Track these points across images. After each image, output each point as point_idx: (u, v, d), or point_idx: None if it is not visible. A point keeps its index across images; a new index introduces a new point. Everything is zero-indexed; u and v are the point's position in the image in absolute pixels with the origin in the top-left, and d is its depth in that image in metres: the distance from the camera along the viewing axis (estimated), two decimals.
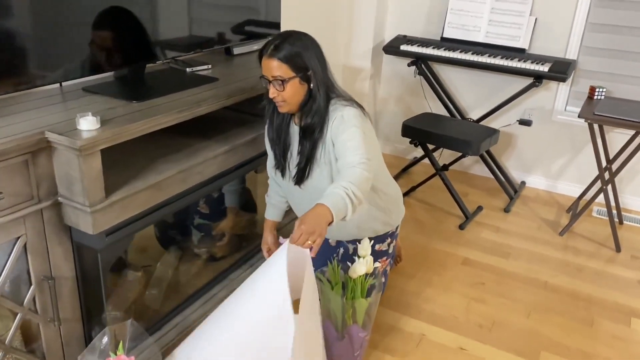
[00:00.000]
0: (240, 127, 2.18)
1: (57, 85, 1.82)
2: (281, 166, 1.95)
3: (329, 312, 1.88)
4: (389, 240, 2.14)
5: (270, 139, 1.96)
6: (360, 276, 1.86)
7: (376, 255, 2.05)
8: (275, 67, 1.70)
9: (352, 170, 1.64)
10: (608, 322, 2.36)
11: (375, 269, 1.90)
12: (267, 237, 2.13)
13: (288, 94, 1.74)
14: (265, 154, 2.09)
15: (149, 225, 1.85)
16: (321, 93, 1.77)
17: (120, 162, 1.78)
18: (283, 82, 1.71)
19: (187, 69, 2.16)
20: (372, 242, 1.96)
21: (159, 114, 1.67)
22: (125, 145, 1.62)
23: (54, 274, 1.63)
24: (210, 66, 2.22)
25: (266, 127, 1.97)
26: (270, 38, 1.77)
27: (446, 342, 2.19)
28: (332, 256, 2.06)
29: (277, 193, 2.11)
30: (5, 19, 1.51)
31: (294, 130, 1.89)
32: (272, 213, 2.14)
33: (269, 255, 2.03)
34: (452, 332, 2.25)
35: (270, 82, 1.73)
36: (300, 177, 1.88)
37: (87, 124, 1.49)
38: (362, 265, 1.84)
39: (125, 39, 1.85)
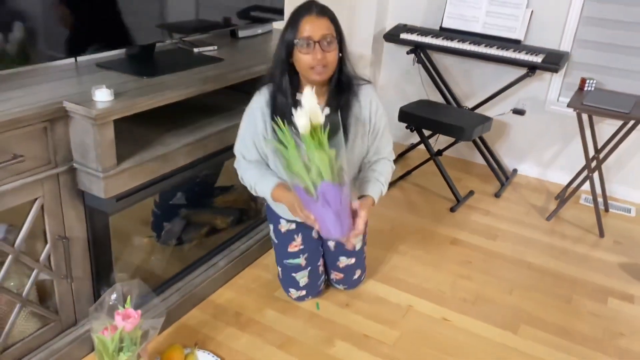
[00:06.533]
0: (242, 106, 2.30)
1: (73, 60, 1.96)
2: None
3: (295, 176, 1.69)
4: None
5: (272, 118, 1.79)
6: (311, 130, 1.60)
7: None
8: (326, 26, 1.63)
9: (386, 164, 2.01)
10: (586, 300, 2.50)
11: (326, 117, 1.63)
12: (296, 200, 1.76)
13: (332, 57, 1.66)
14: None
15: (156, 193, 1.98)
16: (348, 64, 1.75)
17: (131, 134, 1.91)
18: (331, 42, 1.62)
19: (195, 49, 2.28)
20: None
21: (168, 89, 1.80)
22: (134, 118, 1.75)
23: (67, 234, 1.77)
24: (216, 47, 2.35)
25: (258, 108, 1.85)
26: (301, 3, 1.70)
27: (431, 313, 2.33)
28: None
29: (262, 163, 1.94)
30: None
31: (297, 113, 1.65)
32: (274, 178, 1.89)
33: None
34: (437, 304, 2.39)
35: (316, 42, 1.62)
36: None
37: (102, 95, 1.62)
38: (304, 116, 1.57)
39: (137, 18, 1.98)
